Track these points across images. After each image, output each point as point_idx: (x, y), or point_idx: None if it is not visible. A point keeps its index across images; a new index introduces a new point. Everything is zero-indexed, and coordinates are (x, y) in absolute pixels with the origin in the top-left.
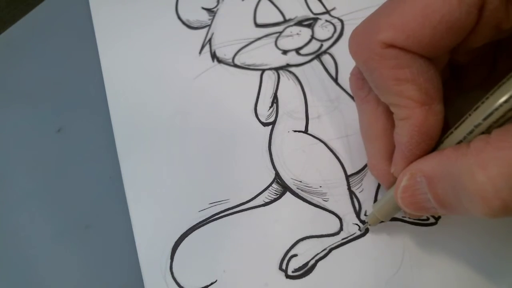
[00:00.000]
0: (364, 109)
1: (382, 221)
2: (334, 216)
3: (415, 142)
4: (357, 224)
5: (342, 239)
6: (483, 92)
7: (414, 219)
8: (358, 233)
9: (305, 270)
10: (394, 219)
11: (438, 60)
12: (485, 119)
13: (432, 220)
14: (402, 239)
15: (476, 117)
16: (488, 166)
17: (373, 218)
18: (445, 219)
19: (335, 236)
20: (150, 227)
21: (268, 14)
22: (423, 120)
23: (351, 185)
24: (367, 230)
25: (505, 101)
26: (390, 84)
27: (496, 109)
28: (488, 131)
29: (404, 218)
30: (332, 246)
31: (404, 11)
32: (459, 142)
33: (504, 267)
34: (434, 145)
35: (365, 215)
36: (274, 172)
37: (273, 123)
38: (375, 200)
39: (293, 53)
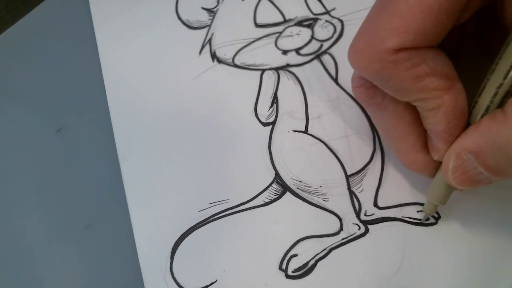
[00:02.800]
0: (382, 115)
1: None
2: (334, 216)
3: (453, 125)
4: (357, 224)
5: (342, 239)
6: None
7: (414, 220)
8: (358, 233)
9: (305, 270)
10: (394, 219)
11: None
12: (504, 78)
13: (432, 220)
14: (402, 239)
15: (496, 79)
16: None
17: (430, 206)
18: (445, 219)
19: (335, 236)
20: (150, 227)
21: (268, 14)
22: (454, 103)
23: (351, 185)
24: (367, 230)
25: None
26: (411, 84)
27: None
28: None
29: (404, 218)
30: (332, 246)
31: (401, 12)
32: (487, 108)
33: (504, 267)
34: (467, 120)
35: (365, 215)
36: (274, 172)
37: (273, 123)
38: (375, 200)
39: (293, 53)
